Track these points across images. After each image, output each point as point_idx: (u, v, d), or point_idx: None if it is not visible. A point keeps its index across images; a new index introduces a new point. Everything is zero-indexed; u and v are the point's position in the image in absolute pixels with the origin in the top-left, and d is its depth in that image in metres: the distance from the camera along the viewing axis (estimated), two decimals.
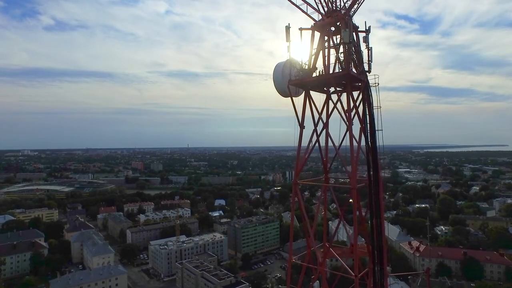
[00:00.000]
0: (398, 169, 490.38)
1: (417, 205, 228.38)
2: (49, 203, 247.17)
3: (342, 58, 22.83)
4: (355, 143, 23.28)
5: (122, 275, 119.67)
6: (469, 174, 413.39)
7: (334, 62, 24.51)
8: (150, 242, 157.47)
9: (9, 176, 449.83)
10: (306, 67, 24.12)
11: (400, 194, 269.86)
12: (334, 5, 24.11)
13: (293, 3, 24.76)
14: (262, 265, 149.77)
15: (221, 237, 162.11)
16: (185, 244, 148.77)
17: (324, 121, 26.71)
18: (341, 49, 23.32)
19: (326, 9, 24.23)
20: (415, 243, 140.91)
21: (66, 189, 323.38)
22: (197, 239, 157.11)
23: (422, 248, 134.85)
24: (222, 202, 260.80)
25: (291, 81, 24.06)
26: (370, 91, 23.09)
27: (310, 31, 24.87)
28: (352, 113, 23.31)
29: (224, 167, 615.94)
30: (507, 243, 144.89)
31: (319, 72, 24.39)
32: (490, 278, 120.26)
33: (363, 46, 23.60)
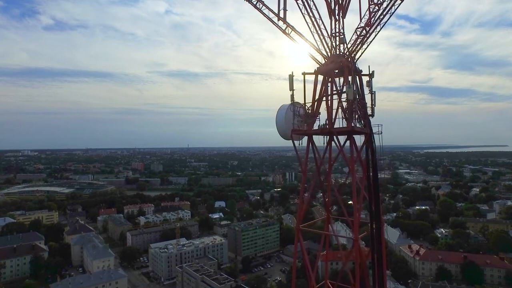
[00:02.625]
0: (398, 170, 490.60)
1: (417, 207, 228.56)
2: (49, 204, 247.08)
3: (345, 106, 22.74)
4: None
5: (122, 279, 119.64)
6: (469, 175, 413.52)
7: (337, 106, 24.54)
8: (150, 245, 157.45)
9: (9, 177, 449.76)
10: (310, 111, 24.08)
11: (400, 196, 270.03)
12: (338, 49, 24.08)
13: (300, 40, 24.84)
14: (262, 268, 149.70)
15: (221, 240, 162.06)
16: (185, 248, 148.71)
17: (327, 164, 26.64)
18: (344, 96, 23.45)
19: (329, 54, 24.15)
20: (415, 247, 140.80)
21: (66, 191, 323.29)
22: (197, 242, 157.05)
23: (422, 251, 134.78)
24: (222, 204, 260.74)
25: (295, 131, 24.09)
26: (374, 139, 23.03)
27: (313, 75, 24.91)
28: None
29: (224, 167, 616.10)
30: (507, 247, 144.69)
31: (323, 124, 24.86)
32: (490, 282, 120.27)
33: (366, 90, 23.60)
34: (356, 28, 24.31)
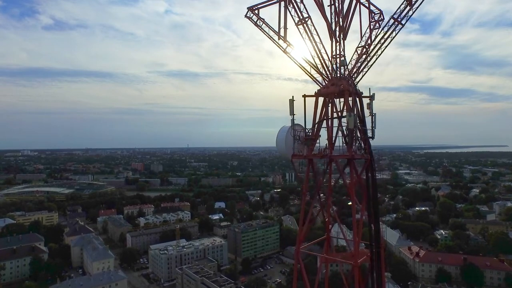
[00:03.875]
0: (398, 171, 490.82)
1: (417, 208, 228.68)
2: (49, 205, 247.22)
3: (346, 131, 22.69)
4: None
5: (122, 281, 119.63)
6: (469, 175, 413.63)
7: (337, 128, 24.60)
8: (150, 246, 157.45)
9: (9, 177, 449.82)
10: (310, 134, 24.09)
11: (400, 197, 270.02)
12: (338, 71, 24.04)
13: (301, 67, 24.90)
14: (262, 270, 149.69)
15: (221, 241, 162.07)
16: (185, 249, 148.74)
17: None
18: (344, 120, 23.44)
19: (330, 76, 24.12)
20: (415, 248, 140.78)
21: (66, 191, 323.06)
22: (197, 243, 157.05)
23: (422, 253, 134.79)
24: (222, 204, 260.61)
25: (295, 156, 24.12)
26: (374, 163, 23.04)
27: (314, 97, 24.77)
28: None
29: (224, 168, 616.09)
30: (507, 248, 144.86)
31: (323, 147, 24.92)
32: (490, 284, 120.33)
33: (367, 112, 23.60)
34: (357, 47, 24.31)
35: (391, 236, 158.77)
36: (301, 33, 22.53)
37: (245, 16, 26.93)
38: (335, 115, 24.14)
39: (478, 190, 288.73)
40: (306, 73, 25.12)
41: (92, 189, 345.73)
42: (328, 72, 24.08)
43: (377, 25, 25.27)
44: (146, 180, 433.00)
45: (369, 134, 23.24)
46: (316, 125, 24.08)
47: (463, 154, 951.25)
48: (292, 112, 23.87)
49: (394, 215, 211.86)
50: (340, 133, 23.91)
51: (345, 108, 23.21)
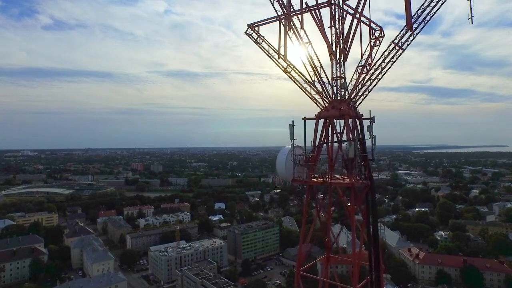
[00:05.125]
0: (398, 171, 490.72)
1: (417, 209, 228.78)
2: (49, 206, 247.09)
3: (346, 155, 22.62)
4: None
5: (122, 282, 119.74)
6: (469, 176, 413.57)
7: (337, 151, 24.49)
8: (150, 247, 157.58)
9: (9, 177, 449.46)
10: (310, 157, 24.05)
11: (400, 198, 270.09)
12: (339, 94, 24.06)
13: (302, 87, 25.00)
14: (262, 271, 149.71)
15: (221, 243, 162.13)
16: (185, 251, 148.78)
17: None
18: (345, 145, 23.44)
19: (330, 98, 24.06)
20: (414, 250, 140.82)
21: (66, 192, 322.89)
22: (197, 245, 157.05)
23: (421, 255, 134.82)
24: (222, 205, 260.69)
25: (295, 180, 24.16)
26: (374, 188, 22.98)
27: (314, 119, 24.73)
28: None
29: (224, 168, 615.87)
30: (507, 250, 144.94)
31: (324, 170, 24.86)
32: (490, 286, 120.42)
33: (367, 134, 23.57)
34: (357, 67, 24.23)
35: (391, 237, 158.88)
36: (302, 59, 22.49)
37: (245, 33, 26.84)
38: (335, 137, 24.12)
39: (478, 191, 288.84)
40: (306, 94, 24.98)
41: (92, 189, 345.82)
42: (328, 95, 24.07)
43: (378, 42, 25.21)
44: (146, 181, 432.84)
45: (369, 156, 23.21)
46: (316, 148, 24.04)
47: (463, 154, 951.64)
48: (292, 137, 23.83)
49: (394, 216, 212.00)
50: (340, 156, 23.83)
51: (345, 131, 23.19)
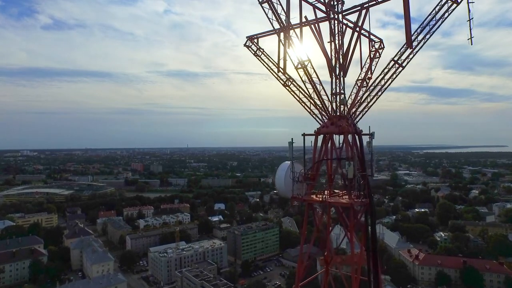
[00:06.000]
0: (398, 171, 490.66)
1: (416, 209, 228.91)
2: (49, 206, 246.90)
3: (345, 171, 22.67)
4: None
5: (121, 284, 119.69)
6: (469, 176, 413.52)
7: (336, 167, 24.37)
8: (150, 248, 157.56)
9: (9, 177, 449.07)
10: (309, 174, 24.00)
11: (400, 198, 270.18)
12: (338, 110, 24.09)
13: (301, 102, 24.93)
14: (261, 272, 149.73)
15: (220, 244, 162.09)
16: (184, 252, 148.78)
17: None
18: (344, 163, 23.38)
19: (329, 114, 23.99)
20: (414, 251, 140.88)
21: (66, 192, 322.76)
22: (196, 246, 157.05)
23: (421, 256, 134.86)
24: (222, 206, 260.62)
25: (294, 198, 24.18)
26: (374, 207, 22.90)
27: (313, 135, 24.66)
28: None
29: (224, 168, 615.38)
30: (506, 251, 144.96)
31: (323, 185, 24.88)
32: (489, 287, 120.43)
33: (366, 149, 23.50)
34: (357, 80, 24.14)
35: (390, 238, 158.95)
36: (301, 76, 22.40)
37: (244, 45, 26.75)
38: (334, 153, 24.13)
39: (477, 191, 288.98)
40: (306, 109, 24.92)
41: (92, 190, 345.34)
42: (327, 111, 24.05)
43: (377, 54, 25.12)
44: (146, 181, 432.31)
45: (369, 172, 23.17)
46: (316, 164, 23.99)
47: (462, 154, 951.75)
48: (291, 155, 23.78)
49: (394, 216, 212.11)
50: (339, 171, 23.78)
51: (344, 147, 23.12)
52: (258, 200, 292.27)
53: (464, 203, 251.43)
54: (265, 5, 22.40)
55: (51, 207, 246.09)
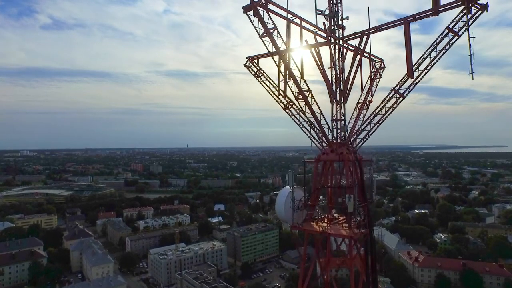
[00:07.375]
0: (397, 172, 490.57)
1: (416, 210, 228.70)
2: (48, 207, 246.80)
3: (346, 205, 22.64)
4: None
5: (121, 286, 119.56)
6: (468, 177, 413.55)
7: (336, 195, 24.27)
8: (150, 250, 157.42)
9: (8, 178, 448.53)
10: (309, 201, 23.95)
11: (399, 199, 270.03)
12: (338, 137, 24.02)
13: (302, 127, 24.91)
14: (261, 274, 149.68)
15: (220, 245, 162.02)
16: (184, 254, 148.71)
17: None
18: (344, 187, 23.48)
19: (329, 141, 23.93)
20: (414, 253, 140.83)
21: (65, 193, 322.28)
22: (196, 248, 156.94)
23: (421, 258, 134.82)
24: (222, 207, 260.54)
25: (294, 227, 24.19)
26: (373, 236, 22.86)
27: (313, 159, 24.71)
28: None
29: (224, 168, 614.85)
30: (506, 253, 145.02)
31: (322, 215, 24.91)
32: None
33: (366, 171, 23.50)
34: (357, 103, 24.09)
35: (390, 239, 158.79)
36: (302, 106, 22.29)
37: (244, 65, 26.55)
38: (335, 185, 24.14)
39: (477, 192, 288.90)
40: (306, 135, 24.81)
41: (91, 190, 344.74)
42: (328, 138, 23.95)
43: (378, 74, 25.06)
44: (146, 182, 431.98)
45: (368, 196, 23.11)
46: (315, 191, 23.93)
47: (462, 154, 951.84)
48: (292, 184, 23.73)
49: (394, 218, 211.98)
50: (339, 200, 23.73)
51: (343, 172, 23.08)
52: (258, 201, 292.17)
53: (464, 204, 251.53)
54: (251, 13, 20.73)
55: (51, 208, 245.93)
